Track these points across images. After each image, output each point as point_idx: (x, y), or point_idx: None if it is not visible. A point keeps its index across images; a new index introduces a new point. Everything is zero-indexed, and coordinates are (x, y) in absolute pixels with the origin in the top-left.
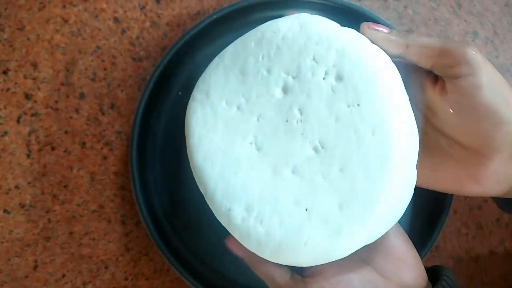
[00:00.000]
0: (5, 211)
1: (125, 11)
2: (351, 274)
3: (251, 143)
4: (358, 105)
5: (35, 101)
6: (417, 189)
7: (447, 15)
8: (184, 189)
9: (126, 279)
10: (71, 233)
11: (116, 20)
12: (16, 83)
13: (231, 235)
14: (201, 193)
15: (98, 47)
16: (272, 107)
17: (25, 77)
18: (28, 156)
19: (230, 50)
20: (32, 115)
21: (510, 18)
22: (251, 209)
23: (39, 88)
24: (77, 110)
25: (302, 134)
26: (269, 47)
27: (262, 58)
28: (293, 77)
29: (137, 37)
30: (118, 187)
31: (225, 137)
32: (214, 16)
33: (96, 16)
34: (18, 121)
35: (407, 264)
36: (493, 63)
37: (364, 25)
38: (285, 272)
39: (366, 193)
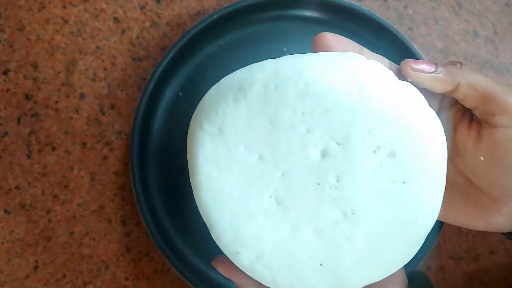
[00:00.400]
0: (5, 211)
1: (125, 11)
2: None
3: (270, 196)
4: (404, 182)
5: (35, 102)
6: None
7: (447, 14)
8: (185, 189)
9: (126, 279)
10: (71, 233)
11: (116, 20)
12: (16, 84)
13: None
14: None
15: (98, 47)
16: (304, 167)
17: (25, 77)
18: (29, 156)
19: (257, 89)
20: (32, 115)
21: (510, 18)
22: (261, 258)
23: (39, 89)
24: (77, 111)
25: (334, 199)
26: (314, 105)
27: (303, 115)
28: (338, 144)
29: (137, 37)
30: (118, 187)
31: (240, 184)
32: (214, 16)
33: (96, 16)
34: (18, 121)
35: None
36: (493, 62)
37: (407, 68)
38: None
39: (387, 262)
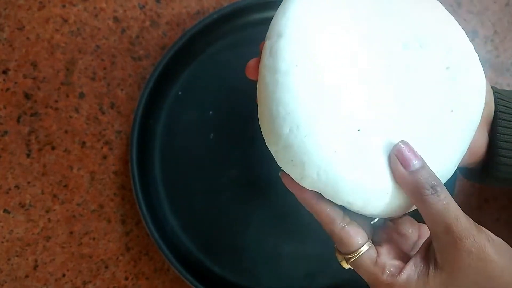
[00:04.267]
0: (5, 210)
1: (125, 11)
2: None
3: (351, 53)
4: (452, 111)
5: (35, 101)
6: None
7: None
8: (184, 188)
9: (126, 278)
10: (71, 232)
11: (115, 19)
12: (16, 83)
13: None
14: (202, 193)
15: (97, 47)
16: (386, 50)
17: (24, 76)
18: (28, 155)
19: None
20: (32, 114)
21: (510, 17)
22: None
23: (39, 88)
24: (77, 110)
25: (396, 77)
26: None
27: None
28: (420, 46)
29: (137, 37)
30: (118, 187)
31: (334, 39)
32: (214, 16)
33: (96, 16)
34: (18, 120)
35: None
36: (493, 62)
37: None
38: (339, 210)
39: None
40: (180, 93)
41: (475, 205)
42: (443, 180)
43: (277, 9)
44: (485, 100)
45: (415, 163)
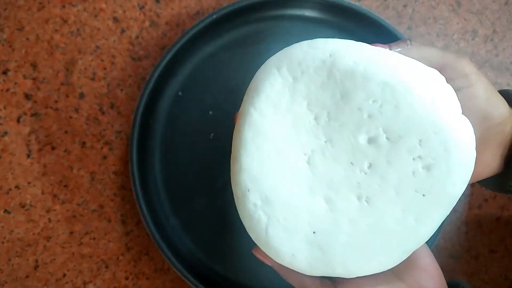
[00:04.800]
0: (5, 211)
1: (124, 11)
2: (378, 285)
3: (305, 154)
4: (423, 195)
5: (35, 101)
6: None
7: (447, 13)
8: (184, 188)
9: (126, 278)
10: (71, 232)
11: (115, 19)
12: (15, 83)
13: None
14: (202, 193)
15: (97, 47)
16: (347, 144)
17: (24, 77)
18: (28, 156)
19: (346, 63)
20: (32, 115)
21: (510, 17)
22: (267, 203)
23: (38, 88)
24: (76, 110)
25: (358, 183)
26: (389, 99)
27: (374, 102)
28: (388, 139)
29: (137, 37)
30: (118, 187)
31: (285, 133)
32: (214, 16)
33: (96, 16)
34: (18, 121)
35: (428, 272)
36: (493, 61)
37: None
38: (315, 279)
39: (373, 258)
40: (180, 93)
41: (475, 204)
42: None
43: (276, 8)
44: (499, 129)
45: None
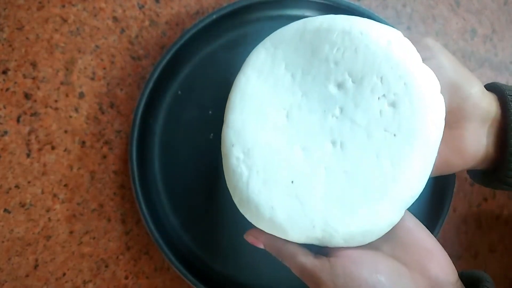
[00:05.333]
0: (5, 210)
1: (124, 10)
2: (377, 258)
3: (284, 109)
4: (394, 135)
5: (35, 101)
6: None
7: (446, 13)
8: (184, 187)
9: (126, 277)
10: (71, 232)
11: (115, 19)
12: (15, 83)
13: (251, 229)
14: (202, 192)
15: (97, 46)
16: (320, 94)
17: (24, 76)
18: (28, 155)
19: (314, 25)
20: (32, 114)
21: (509, 16)
22: (248, 155)
23: (38, 88)
24: (76, 109)
25: (330, 128)
26: (349, 44)
27: (337, 50)
28: (353, 82)
29: (136, 36)
30: (118, 186)
31: (267, 93)
32: (214, 16)
33: (95, 15)
34: (17, 120)
35: (432, 254)
36: (492, 61)
37: None
38: (308, 252)
39: (353, 208)
40: (179, 92)
41: (474, 203)
42: (416, 197)
43: (276, 8)
44: (474, 102)
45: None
